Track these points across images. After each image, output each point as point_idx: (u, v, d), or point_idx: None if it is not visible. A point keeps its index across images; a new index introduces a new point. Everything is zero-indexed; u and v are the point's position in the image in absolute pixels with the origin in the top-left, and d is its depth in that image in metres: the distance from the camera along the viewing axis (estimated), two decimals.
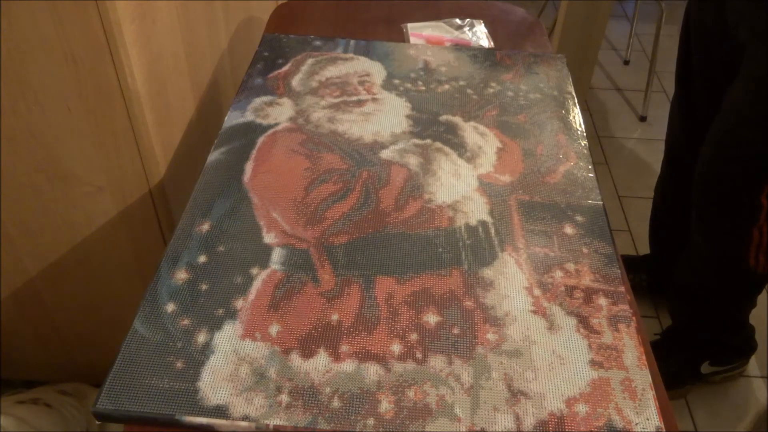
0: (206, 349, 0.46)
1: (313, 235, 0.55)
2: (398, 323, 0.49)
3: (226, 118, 0.68)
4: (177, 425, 0.42)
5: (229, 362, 0.45)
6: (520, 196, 0.61)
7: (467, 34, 0.89)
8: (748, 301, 1.10)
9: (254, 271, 0.52)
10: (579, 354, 0.47)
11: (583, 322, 0.50)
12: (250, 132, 0.66)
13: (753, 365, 1.25)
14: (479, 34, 0.89)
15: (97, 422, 0.84)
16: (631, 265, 1.36)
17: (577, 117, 0.72)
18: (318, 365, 0.45)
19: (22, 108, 0.66)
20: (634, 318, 0.50)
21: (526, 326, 0.49)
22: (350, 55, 0.80)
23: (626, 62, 2.24)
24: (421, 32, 0.89)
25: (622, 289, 0.52)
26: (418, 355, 0.47)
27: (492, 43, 0.88)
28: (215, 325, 0.48)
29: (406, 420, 0.43)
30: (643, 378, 0.46)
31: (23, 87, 0.64)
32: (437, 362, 0.46)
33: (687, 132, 1.12)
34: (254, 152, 0.64)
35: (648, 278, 1.34)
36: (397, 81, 0.75)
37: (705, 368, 1.17)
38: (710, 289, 1.07)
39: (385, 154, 0.65)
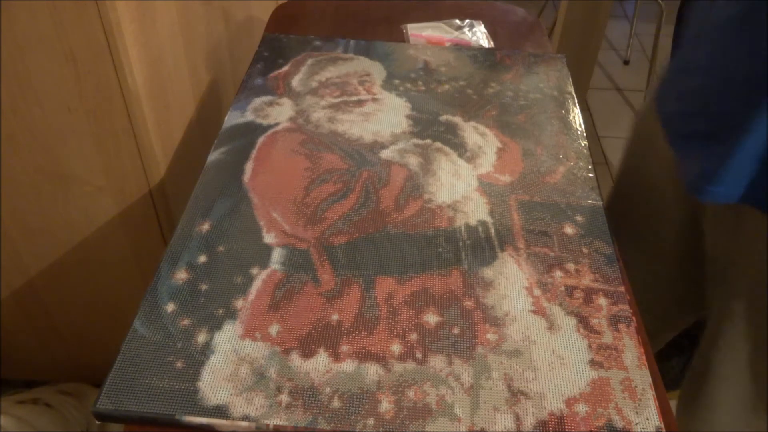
0: (206, 349, 0.46)
1: (313, 235, 0.55)
2: (398, 323, 0.49)
3: (226, 118, 0.68)
4: (177, 425, 0.42)
5: (229, 362, 0.45)
6: (520, 196, 0.61)
7: (467, 35, 0.89)
8: None
9: (254, 271, 0.52)
10: (579, 354, 0.47)
11: (583, 322, 0.50)
12: (250, 132, 0.66)
13: None
14: (479, 35, 0.89)
15: (97, 422, 0.84)
16: None
17: (577, 117, 0.72)
18: (318, 365, 0.45)
19: (22, 108, 0.66)
20: (634, 318, 0.50)
21: (526, 326, 0.49)
22: (350, 55, 0.80)
23: (626, 62, 2.24)
24: (421, 32, 0.89)
25: (622, 289, 0.52)
26: (418, 355, 0.47)
27: (492, 44, 0.88)
28: (215, 325, 0.48)
29: (406, 420, 0.43)
30: (643, 378, 0.46)
31: (23, 87, 0.64)
32: (437, 362, 0.46)
33: None
34: (254, 152, 0.64)
35: None
36: (397, 81, 0.75)
37: None
38: None
39: (385, 154, 0.65)
